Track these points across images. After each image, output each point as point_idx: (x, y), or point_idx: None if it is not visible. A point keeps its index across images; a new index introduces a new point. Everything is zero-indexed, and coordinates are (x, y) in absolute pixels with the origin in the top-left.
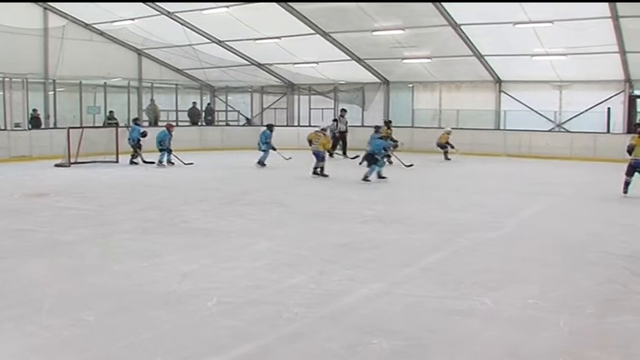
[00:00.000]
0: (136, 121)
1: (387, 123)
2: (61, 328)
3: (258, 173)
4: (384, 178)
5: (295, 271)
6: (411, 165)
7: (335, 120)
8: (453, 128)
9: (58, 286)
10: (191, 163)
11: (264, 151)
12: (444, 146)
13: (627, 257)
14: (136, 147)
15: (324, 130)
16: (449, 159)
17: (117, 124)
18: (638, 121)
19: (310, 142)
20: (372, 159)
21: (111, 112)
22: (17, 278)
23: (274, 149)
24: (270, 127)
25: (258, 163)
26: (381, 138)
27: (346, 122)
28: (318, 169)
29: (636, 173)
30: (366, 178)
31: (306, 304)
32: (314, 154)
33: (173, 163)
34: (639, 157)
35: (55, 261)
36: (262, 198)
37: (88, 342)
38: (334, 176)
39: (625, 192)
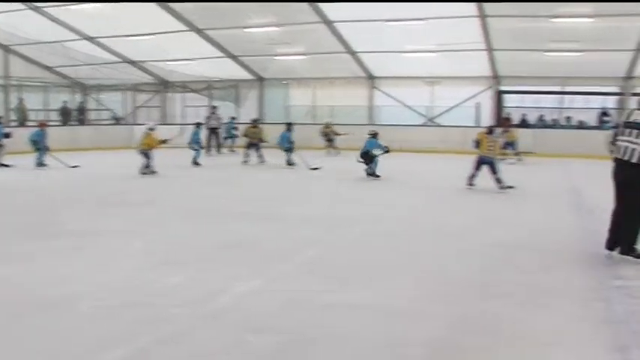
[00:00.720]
0: None
1: (289, 125)
2: None
3: (133, 173)
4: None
5: (172, 270)
6: (317, 168)
7: (208, 117)
8: (328, 123)
9: None
10: (77, 166)
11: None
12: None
13: (498, 247)
14: None
15: (152, 129)
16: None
17: None
18: (504, 116)
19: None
20: (368, 157)
21: None
22: None
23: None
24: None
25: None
26: (374, 137)
27: (218, 118)
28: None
29: (484, 167)
30: (373, 174)
31: (184, 303)
32: (141, 153)
33: (46, 165)
34: (485, 153)
35: None
36: (137, 198)
37: None
38: (212, 173)
39: (470, 184)
